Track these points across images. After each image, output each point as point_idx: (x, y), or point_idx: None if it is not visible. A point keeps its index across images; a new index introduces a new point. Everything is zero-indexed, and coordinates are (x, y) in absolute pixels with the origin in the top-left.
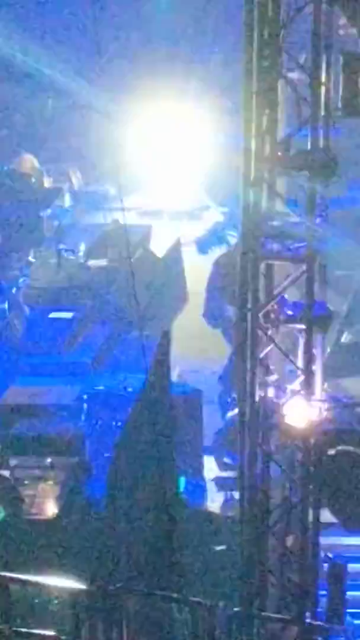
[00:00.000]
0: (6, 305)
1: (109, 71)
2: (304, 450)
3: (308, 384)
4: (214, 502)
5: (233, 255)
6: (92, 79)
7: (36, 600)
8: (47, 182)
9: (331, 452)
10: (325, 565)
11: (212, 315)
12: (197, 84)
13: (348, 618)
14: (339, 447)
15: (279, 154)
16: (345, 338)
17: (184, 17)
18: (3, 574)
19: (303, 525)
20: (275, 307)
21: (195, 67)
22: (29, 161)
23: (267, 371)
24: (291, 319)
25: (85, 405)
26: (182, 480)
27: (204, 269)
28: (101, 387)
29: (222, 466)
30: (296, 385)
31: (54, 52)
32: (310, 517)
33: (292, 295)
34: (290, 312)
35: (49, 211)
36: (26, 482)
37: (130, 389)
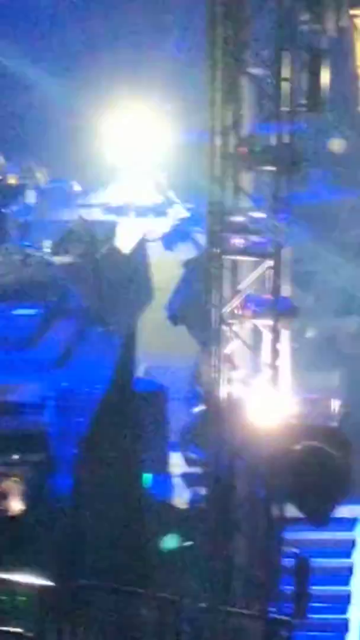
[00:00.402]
0: None
1: (74, 67)
2: (269, 445)
3: (274, 380)
4: (181, 497)
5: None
6: (57, 75)
7: (3, 597)
8: (12, 179)
9: (296, 447)
10: (290, 560)
11: (177, 315)
12: (163, 80)
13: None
14: (304, 442)
15: (244, 150)
16: (310, 333)
17: (147, 12)
18: None
19: (268, 520)
20: (241, 303)
21: (161, 62)
22: None
23: (233, 367)
24: (256, 315)
25: (50, 402)
26: (148, 476)
27: (170, 265)
28: (66, 384)
29: (189, 462)
30: (262, 380)
31: (17, 48)
32: (276, 513)
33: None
34: (255, 308)
35: (13, 208)
36: None
37: (95, 386)
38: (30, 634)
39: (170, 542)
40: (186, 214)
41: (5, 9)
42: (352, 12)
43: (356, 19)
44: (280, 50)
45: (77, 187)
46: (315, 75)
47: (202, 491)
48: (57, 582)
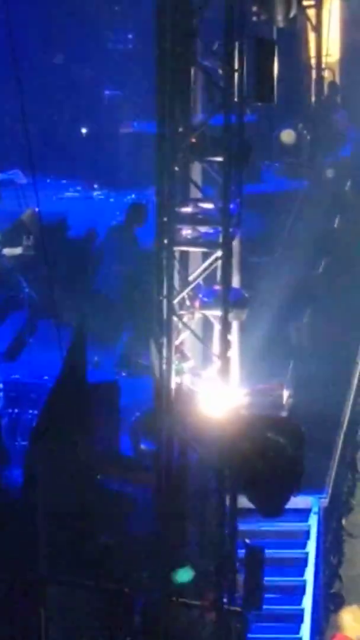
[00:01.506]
0: None
1: (21, 53)
2: (220, 436)
3: (224, 371)
4: (132, 489)
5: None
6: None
7: None
8: None
9: (247, 437)
10: (243, 551)
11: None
12: (112, 69)
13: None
14: (255, 433)
15: (193, 140)
16: (262, 323)
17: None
18: None
19: (220, 511)
20: (191, 293)
21: (110, 52)
22: None
23: (183, 358)
24: (207, 306)
25: (0, 394)
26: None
27: None
28: (17, 376)
29: (139, 453)
30: (212, 371)
31: None
32: (227, 504)
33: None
34: (205, 299)
35: None
36: None
37: (46, 377)
38: None
39: (184, 575)
40: None
41: None
42: (304, 2)
43: (308, 9)
44: (229, 40)
45: (22, 180)
46: (265, 66)
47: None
48: (7, 575)
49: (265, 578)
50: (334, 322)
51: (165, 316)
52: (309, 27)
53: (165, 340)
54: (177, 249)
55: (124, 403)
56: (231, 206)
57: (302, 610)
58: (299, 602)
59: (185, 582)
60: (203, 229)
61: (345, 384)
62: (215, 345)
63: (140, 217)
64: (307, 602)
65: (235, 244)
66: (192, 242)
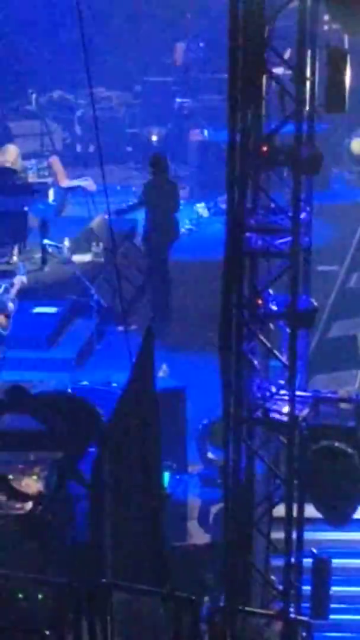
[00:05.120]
0: None
1: (92, 64)
2: (287, 445)
3: (292, 379)
4: (198, 497)
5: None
6: (74, 71)
7: (20, 595)
8: (31, 177)
9: (315, 447)
10: (310, 560)
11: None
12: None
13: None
14: (323, 442)
15: (264, 148)
16: (330, 333)
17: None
18: None
19: (287, 520)
20: (260, 302)
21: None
22: (14, 153)
23: (252, 367)
24: (276, 314)
25: None
26: (166, 476)
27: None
28: (85, 383)
29: (207, 462)
30: (280, 380)
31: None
32: (295, 513)
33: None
34: (274, 307)
35: (39, 206)
36: (10, 477)
37: (114, 384)
38: (48, 633)
39: None
40: (206, 213)
41: None
42: None
43: None
44: (302, 49)
45: (93, 187)
46: (337, 75)
47: (219, 491)
48: (75, 581)
49: (333, 588)
50: None
51: (235, 325)
52: None
53: (234, 349)
54: (246, 258)
55: (192, 411)
56: (301, 215)
57: None
58: None
59: None
60: (273, 238)
61: None
62: (284, 354)
63: (166, 166)
64: None
65: (305, 252)
66: (262, 250)
